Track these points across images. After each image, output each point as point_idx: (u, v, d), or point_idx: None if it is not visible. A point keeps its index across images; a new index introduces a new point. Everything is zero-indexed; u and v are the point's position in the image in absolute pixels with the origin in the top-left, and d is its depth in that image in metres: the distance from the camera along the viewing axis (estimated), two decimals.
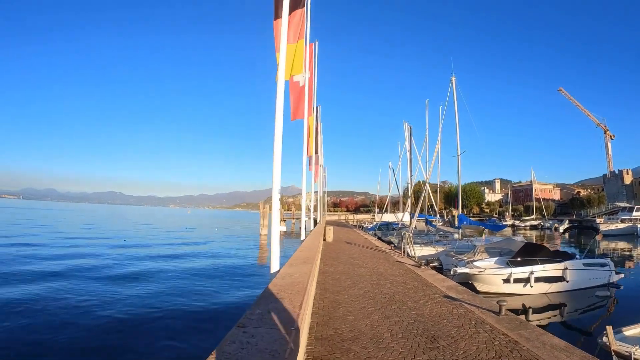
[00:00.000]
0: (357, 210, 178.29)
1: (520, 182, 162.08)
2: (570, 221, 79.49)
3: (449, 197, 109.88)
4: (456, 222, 28.08)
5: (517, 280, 15.10)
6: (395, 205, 75.07)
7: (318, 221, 32.93)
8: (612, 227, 57.42)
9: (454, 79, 28.98)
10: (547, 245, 19.20)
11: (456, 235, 27.36)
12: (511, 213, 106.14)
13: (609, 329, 7.41)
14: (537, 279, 15.20)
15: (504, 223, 55.02)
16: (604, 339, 7.58)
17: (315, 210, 30.66)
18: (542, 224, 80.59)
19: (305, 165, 14.62)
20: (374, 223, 54.44)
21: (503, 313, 7.19)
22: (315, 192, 30.04)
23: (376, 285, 9.97)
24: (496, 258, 17.67)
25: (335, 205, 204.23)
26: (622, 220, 60.99)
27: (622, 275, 17.13)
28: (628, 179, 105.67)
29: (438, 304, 8.11)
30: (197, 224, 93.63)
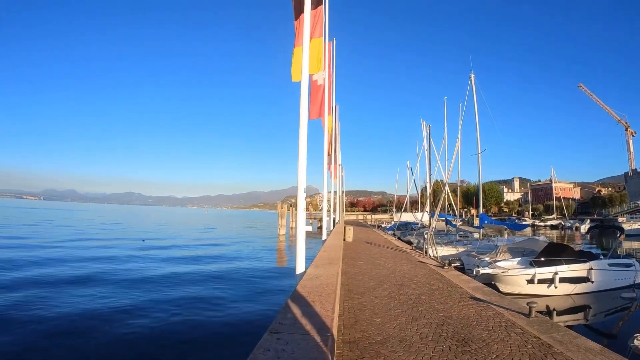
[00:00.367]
0: (374, 210, 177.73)
1: (539, 181, 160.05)
2: (591, 220, 78.19)
3: (467, 197, 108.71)
4: (475, 222, 27.72)
5: (541, 281, 14.79)
6: (413, 205, 74.67)
7: (337, 221, 32.84)
8: (635, 226, 56.17)
9: (472, 75, 28.54)
10: (572, 245, 18.83)
11: (476, 235, 27.00)
12: (531, 212, 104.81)
13: None
14: (562, 280, 14.86)
15: (524, 223, 54.29)
16: (635, 342, 7.34)
17: (334, 210, 30.56)
18: (562, 223, 79.46)
19: (325, 164, 14.50)
20: (393, 223, 54.11)
21: (533, 315, 7.03)
22: (334, 192, 29.95)
23: (400, 287, 9.83)
24: (519, 258, 17.34)
25: (352, 205, 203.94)
26: None
27: None
28: None
29: (465, 305, 7.95)
30: (215, 224, 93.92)
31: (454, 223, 34.38)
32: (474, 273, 14.93)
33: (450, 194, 44.41)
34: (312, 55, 8.60)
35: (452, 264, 15.58)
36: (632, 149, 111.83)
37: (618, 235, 21.35)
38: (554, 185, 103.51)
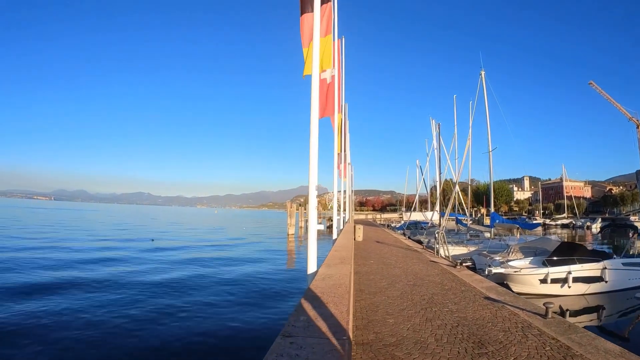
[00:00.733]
0: (383, 209, 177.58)
1: (549, 180, 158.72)
2: (602, 219, 77.52)
3: (477, 196, 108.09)
4: (486, 221, 27.47)
5: (554, 281, 14.60)
6: (423, 204, 74.35)
7: (346, 220, 32.70)
8: None
9: (483, 72, 28.34)
10: (585, 244, 18.58)
11: (487, 234, 26.76)
12: (541, 211, 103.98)
13: None
14: (575, 279, 14.65)
15: (536, 222, 53.76)
16: None
17: (344, 209, 30.41)
18: (573, 222, 78.79)
19: (335, 163, 14.39)
20: (402, 222, 53.89)
21: (550, 316, 6.88)
22: (344, 191, 29.80)
23: (413, 287, 9.70)
24: (531, 258, 17.14)
25: (361, 205, 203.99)
26: None
27: None
28: None
29: (480, 306, 7.80)
30: (225, 223, 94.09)
31: (465, 222, 34.11)
32: (486, 272, 14.74)
33: (460, 193, 44.09)
34: (321, 52, 8.50)
35: (464, 264, 15.43)
36: None
37: (632, 234, 21.00)
38: (564, 183, 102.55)
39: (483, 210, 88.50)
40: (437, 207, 42.96)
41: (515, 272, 14.90)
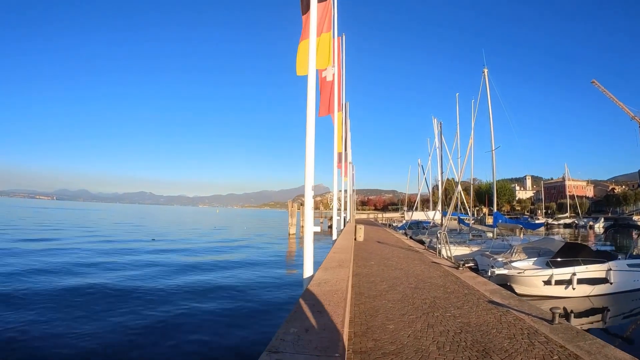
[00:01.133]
0: (385, 208, 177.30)
1: (552, 179, 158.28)
2: (605, 219, 77.22)
3: (479, 195, 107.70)
4: (489, 221, 27.19)
5: (558, 282, 14.32)
6: (424, 203, 74.06)
7: (347, 220, 32.45)
8: None
9: (486, 70, 27.96)
10: (589, 245, 18.30)
11: (490, 235, 26.46)
12: (544, 211, 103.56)
13: None
14: (580, 281, 14.36)
15: (539, 221, 53.46)
16: None
17: (345, 208, 30.16)
18: (576, 222, 78.50)
19: (335, 163, 14.14)
20: (404, 222, 53.57)
21: (557, 322, 6.60)
22: (345, 190, 29.55)
23: (414, 289, 9.44)
24: (535, 258, 16.84)
25: (363, 204, 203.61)
26: None
27: None
28: None
29: (484, 310, 7.54)
30: (226, 223, 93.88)
31: (467, 222, 33.81)
32: (489, 274, 14.45)
33: (462, 192, 43.79)
34: (321, 49, 8.27)
35: (466, 265, 15.15)
36: None
37: (635, 234, 20.73)
38: (567, 183, 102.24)
39: (485, 210, 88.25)
40: (439, 207, 42.70)
41: (518, 273, 14.62)
